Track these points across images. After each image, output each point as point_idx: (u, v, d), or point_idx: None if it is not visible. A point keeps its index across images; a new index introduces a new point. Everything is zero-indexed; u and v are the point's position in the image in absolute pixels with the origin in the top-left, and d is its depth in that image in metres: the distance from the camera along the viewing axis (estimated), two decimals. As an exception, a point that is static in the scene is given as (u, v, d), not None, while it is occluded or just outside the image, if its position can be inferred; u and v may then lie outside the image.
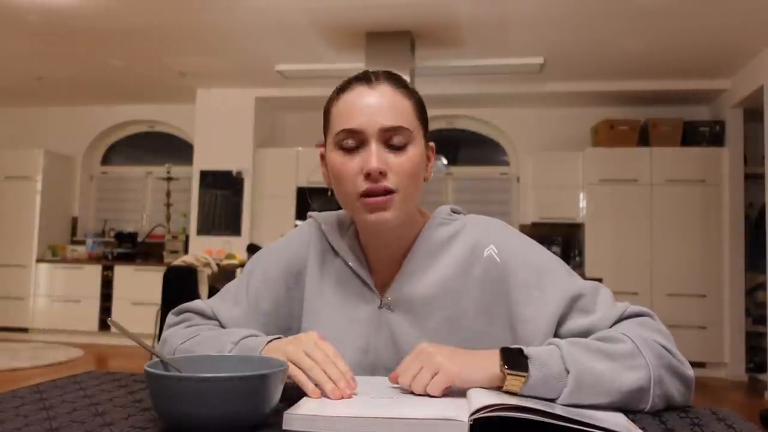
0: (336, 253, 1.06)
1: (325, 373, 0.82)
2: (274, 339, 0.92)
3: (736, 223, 5.51)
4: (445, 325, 0.98)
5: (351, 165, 0.94)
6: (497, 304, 0.98)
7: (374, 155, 0.92)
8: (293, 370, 0.84)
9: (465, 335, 0.98)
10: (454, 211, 1.07)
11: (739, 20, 4.35)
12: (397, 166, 0.94)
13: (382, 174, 0.92)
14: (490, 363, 0.79)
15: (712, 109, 6.06)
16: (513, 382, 0.76)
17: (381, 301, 1.02)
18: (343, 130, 0.94)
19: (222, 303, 1.09)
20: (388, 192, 0.93)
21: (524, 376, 0.76)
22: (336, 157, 0.96)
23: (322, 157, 1.02)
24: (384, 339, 1.01)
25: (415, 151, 0.95)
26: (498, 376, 0.78)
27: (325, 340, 0.88)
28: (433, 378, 0.79)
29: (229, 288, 1.11)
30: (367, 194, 0.93)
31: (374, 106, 0.94)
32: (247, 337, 0.94)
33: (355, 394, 0.81)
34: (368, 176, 0.92)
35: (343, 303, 1.04)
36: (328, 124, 0.99)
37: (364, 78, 0.97)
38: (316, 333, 0.89)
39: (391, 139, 0.93)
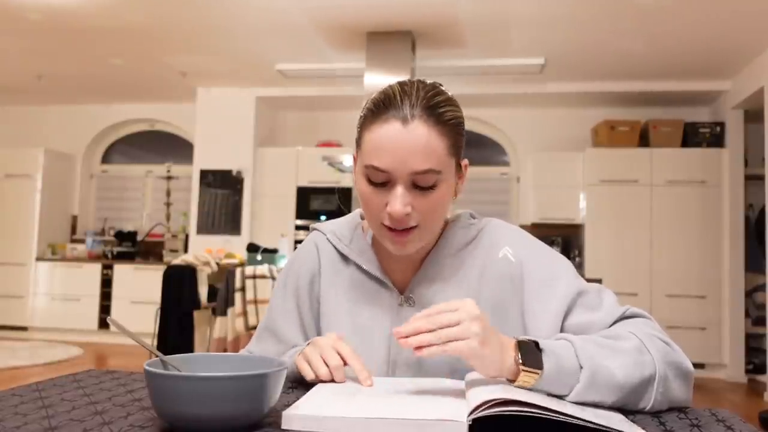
0: (347, 260, 1.08)
1: (326, 362, 0.88)
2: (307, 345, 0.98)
3: (736, 224, 5.51)
4: None
5: (377, 197, 0.95)
6: (512, 301, 1.01)
7: (399, 199, 0.92)
8: (300, 364, 0.91)
9: None
10: (472, 216, 1.10)
11: (740, 21, 4.35)
12: (422, 205, 0.94)
13: (406, 215, 0.93)
14: (507, 354, 0.79)
15: (713, 110, 6.06)
16: (525, 378, 0.77)
17: (401, 298, 1.04)
18: (372, 166, 0.93)
19: (261, 344, 1.12)
20: (411, 228, 0.95)
21: (538, 374, 0.76)
22: (363, 183, 0.96)
23: (355, 159, 1.02)
24: None
25: (443, 188, 0.95)
26: (512, 369, 0.78)
27: (343, 339, 0.92)
28: (457, 341, 0.76)
29: (261, 330, 1.13)
30: (390, 227, 0.96)
31: (406, 149, 0.90)
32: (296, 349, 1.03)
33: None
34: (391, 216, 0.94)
35: (361, 304, 1.05)
36: (360, 144, 0.97)
37: (401, 113, 0.91)
38: (335, 333, 0.94)
39: (419, 180, 0.93)
